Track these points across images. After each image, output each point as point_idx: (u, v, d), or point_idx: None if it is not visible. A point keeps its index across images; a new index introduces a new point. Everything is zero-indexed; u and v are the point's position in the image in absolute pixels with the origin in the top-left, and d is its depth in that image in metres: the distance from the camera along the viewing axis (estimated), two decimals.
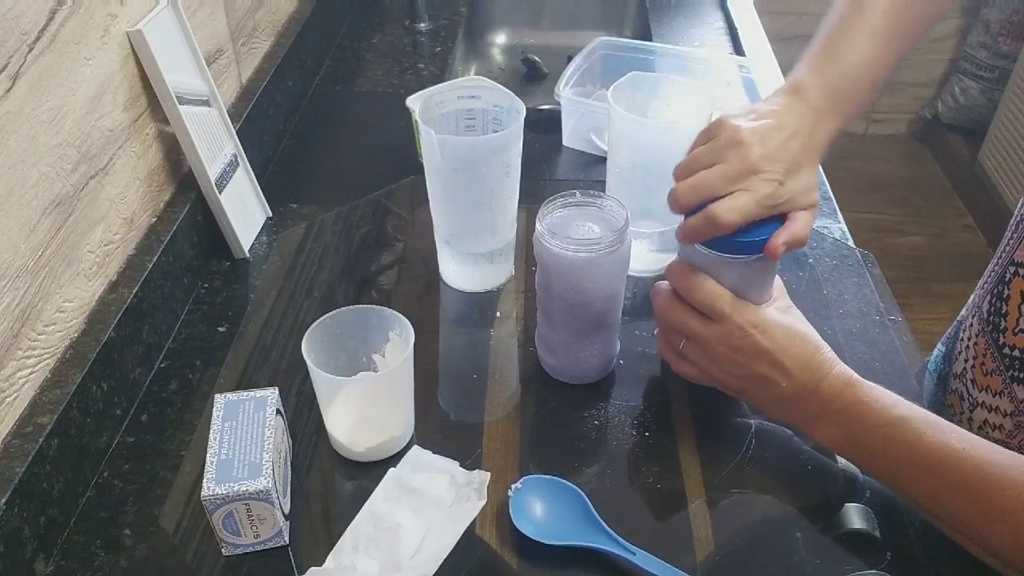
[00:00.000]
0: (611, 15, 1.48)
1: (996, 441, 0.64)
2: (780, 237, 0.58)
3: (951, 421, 0.55)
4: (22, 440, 0.57)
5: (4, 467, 0.55)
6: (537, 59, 1.38)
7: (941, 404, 0.73)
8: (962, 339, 0.71)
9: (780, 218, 0.60)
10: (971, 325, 0.69)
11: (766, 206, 0.58)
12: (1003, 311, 0.64)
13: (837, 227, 0.90)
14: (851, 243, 0.87)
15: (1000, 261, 0.66)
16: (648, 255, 0.81)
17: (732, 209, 0.57)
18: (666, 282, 0.64)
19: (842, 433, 0.58)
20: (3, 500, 0.53)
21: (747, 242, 0.58)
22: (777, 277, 0.64)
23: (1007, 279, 0.64)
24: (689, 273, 0.61)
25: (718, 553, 0.58)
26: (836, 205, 0.93)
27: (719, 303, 0.60)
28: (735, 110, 0.62)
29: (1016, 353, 0.62)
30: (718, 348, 0.61)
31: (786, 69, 1.20)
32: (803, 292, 0.80)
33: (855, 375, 0.59)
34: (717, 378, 0.63)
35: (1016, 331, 0.62)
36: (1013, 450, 0.53)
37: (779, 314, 0.61)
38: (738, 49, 1.27)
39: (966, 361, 0.69)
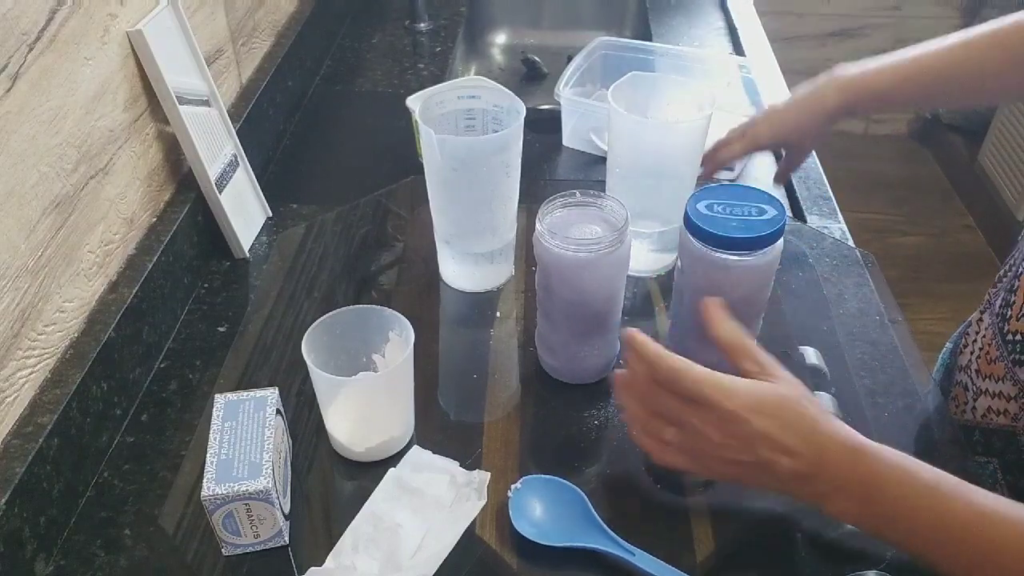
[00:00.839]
0: (611, 15, 1.48)
1: (1000, 427, 0.64)
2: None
3: (955, 414, 0.54)
4: (22, 440, 0.57)
5: (4, 467, 0.55)
6: (537, 59, 1.38)
7: (946, 398, 0.73)
8: (969, 333, 0.72)
9: (777, 217, 0.60)
10: (980, 320, 0.70)
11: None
12: (1011, 301, 0.65)
13: (837, 227, 0.90)
14: (851, 243, 0.87)
15: (1016, 258, 0.68)
16: (648, 255, 0.81)
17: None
18: (628, 372, 0.58)
19: (858, 507, 0.52)
20: (3, 500, 0.53)
21: (746, 239, 0.59)
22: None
23: (1019, 273, 0.65)
24: (672, 362, 0.54)
25: (718, 553, 0.58)
26: (836, 205, 0.93)
27: (707, 390, 0.53)
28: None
29: (1019, 338, 0.63)
30: (712, 435, 0.53)
31: (786, 69, 1.21)
32: (803, 292, 0.80)
33: (862, 440, 0.52)
34: (710, 467, 0.56)
35: (1020, 317, 0.63)
36: (1019, 432, 0.49)
37: (768, 386, 0.53)
38: (738, 49, 1.27)
39: (972, 353, 0.70)
